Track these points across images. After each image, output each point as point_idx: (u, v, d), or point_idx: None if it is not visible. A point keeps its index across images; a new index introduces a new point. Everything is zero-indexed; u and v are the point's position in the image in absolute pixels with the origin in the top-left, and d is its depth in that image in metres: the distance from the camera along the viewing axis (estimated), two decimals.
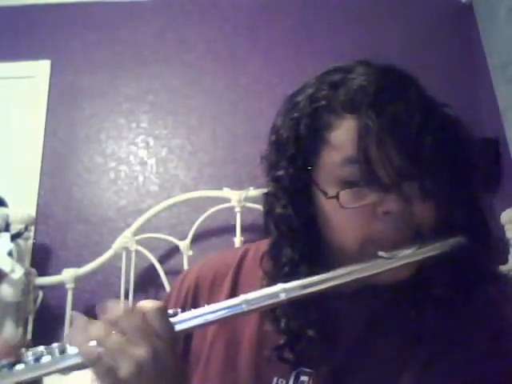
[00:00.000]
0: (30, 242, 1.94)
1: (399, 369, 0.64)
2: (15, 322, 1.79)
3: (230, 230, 1.89)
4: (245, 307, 0.58)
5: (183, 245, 1.86)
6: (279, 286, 0.59)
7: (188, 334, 0.72)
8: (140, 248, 1.86)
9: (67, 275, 1.83)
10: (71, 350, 0.56)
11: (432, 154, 0.60)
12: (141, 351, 0.54)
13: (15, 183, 2.03)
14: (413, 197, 0.61)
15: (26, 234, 1.87)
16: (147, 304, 0.58)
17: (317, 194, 0.65)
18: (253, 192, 1.78)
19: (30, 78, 2.17)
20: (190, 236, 1.88)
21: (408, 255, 0.61)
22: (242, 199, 1.81)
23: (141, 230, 1.88)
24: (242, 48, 2.16)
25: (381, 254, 0.60)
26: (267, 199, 0.69)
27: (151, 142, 2.10)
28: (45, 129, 2.11)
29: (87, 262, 1.87)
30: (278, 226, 0.67)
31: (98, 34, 2.22)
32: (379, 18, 2.13)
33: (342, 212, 0.61)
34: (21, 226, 1.84)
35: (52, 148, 2.10)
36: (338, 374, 0.66)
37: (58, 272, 1.87)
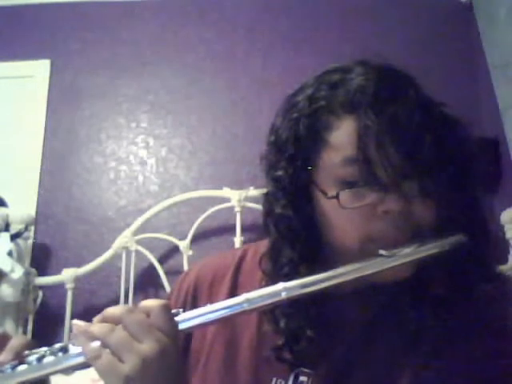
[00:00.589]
0: (30, 241, 1.94)
1: (399, 368, 0.64)
2: (15, 321, 1.79)
3: (230, 229, 1.89)
4: (246, 306, 0.58)
5: (183, 245, 1.86)
6: (280, 285, 0.59)
7: (188, 333, 0.72)
8: (140, 248, 1.87)
9: (67, 275, 1.83)
10: (73, 349, 0.56)
11: (431, 153, 0.60)
12: (146, 347, 0.53)
13: (15, 183, 2.03)
14: (412, 196, 0.61)
15: (25, 234, 1.87)
16: (151, 302, 0.58)
17: (316, 194, 0.65)
18: (253, 192, 1.78)
19: (30, 77, 2.17)
20: (189, 236, 1.88)
21: (408, 254, 0.61)
22: (241, 199, 1.81)
23: (141, 229, 1.88)
24: (241, 48, 2.16)
25: (381, 252, 0.61)
26: (267, 199, 0.69)
27: (151, 142, 2.10)
28: (45, 129, 2.11)
29: (87, 261, 1.87)
30: (277, 226, 0.67)
31: (98, 34, 2.22)
32: (379, 18, 2.13)
33: (342, 212, 0.61)
34: (21, 226, 1.84)
35: (52, 148, 2.10)
36: (338, 374, 0.66)
37: (58, 272, 1.87)
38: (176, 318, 0.57)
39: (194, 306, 0.75)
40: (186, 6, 2.24)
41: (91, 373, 0.55)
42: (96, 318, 0.58)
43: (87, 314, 1.91)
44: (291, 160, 0.65)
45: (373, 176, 0.60)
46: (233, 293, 0.74)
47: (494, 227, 1.69)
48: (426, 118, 0.61)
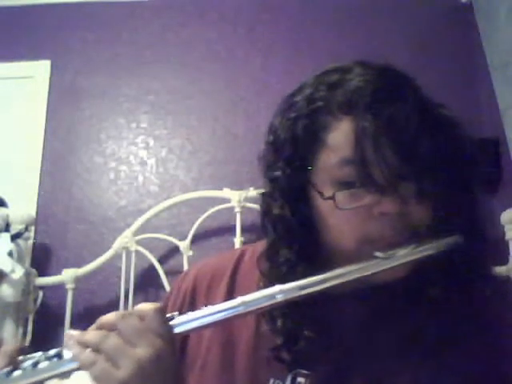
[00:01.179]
0: (30, 242, 1.94)
1: (397, 368, 0.64)
2: (15, 321, 1.79)
3: (230, 230, 1.89)
4: (242, 309, 0.58)
5: (183, 245, 1.86)
6: (276, 288, 0.59)
7: (184, 336, 0.72)
8: (140, 248, 1.86)
9: (67, 275, 1.83)
10: (68, 354, 0.56)
11: (428, 155, 0.60)
12: (140, 351, 0.53)
13: (15, 183, 2.03)
14: (409, 197, 0.61)
15: (26, 234, 1.86)
16: (145, 306, 0.58)
17: (314, 195, 0.65)
18: (253, 192, 1.78)
19: (30, 77, 2.17)
20: (190, 236, 1.87)
21: (404, 255, 0.61)
22: (241, 199, 1.81)
23: (141, 230, 1.88)
24: (241, 48, 2.16)
25: (377, 254, 0.61)
26: (264, 200, 0.70)
27: (151, 142, 2.10)
28: (45, 129, 2.11)
29: (87, 262, 1.87)
30: (275, 227, 0.67)
31: (98, 34, 2.22)
32: (379, 18, 2.13)
33: (339, 213, 0.61)
34: (21, 226, 1.84)
35: (52, 148, 2.10)
36: (335, 375, 0.66)
37: (58, 272, 1.87)
38: (172, 322, 0.57)
39: (192, 307, 0.75)
40: (186, 6, 2.24)
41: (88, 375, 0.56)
42: (91, 328, 0.58)
43: (87, 313, 1.92)
44: (289, 160, 0.65)
45: (370, 177, 0.60)
46: (231, 294, 0.74)
47: (491, 228, 1.69)
48: (424, 119, 0.61)
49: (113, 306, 1.85)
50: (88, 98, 2.15)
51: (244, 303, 0.58)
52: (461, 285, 0.64)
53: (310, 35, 2.13)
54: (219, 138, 2.06)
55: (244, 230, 1.84)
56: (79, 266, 1.86)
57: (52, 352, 0.57)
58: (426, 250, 0.62)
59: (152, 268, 1.88)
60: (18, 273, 1.74)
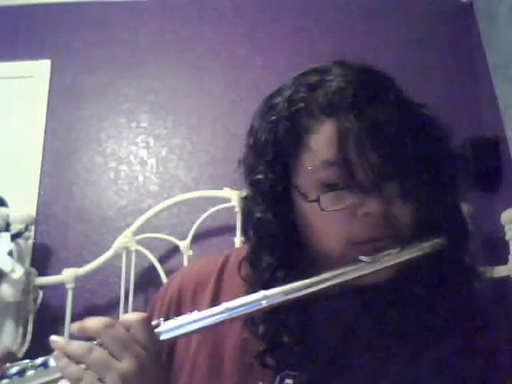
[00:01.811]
0: (30, 241, 1.94)
1: (383, 366, 0.64)
2: (15, 321, 1.79)
3: (229, 230, 1.89)
4: (226, 315, 0.58)
5: (183, 245, 1.86)
6: (261, 293, 0.59)
7: (171, 342, 0.72)
8: (140, 248, 1.86)
9: (67, 275, 1.83)
10: (54, 363, 0.56)
11: (411, 155, 0.60)
12: (124, 364, 0.53)
13: (15, 183, 2.03)
14: (393, 198, 0.61)
15: (26, 234, 1.86)
16: (130, 316, 0.58)
17: (296, 198, 0.65)
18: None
19: (30, 77, 2.17)
20: (190, 236, 1.87)
21: (389, 258, 0.61)
22: (242, 198, 1.81)
23: (141, 229, 1.88)
24: (242, 48, 2.16)
25: (361, 258, 0.61)
26: (246, 203, 0.69)
27: (151, 142, 2.10)
28: (45, 129, 2.11)
29: (87, 261, 1.87)
30: (256, 231, 0.67)
31: (98, 34, 2.22)
32: (379, 18, 2.13)
33: (323, 215, 0.61)
34: (21, 226, 1.84)
35: (52, 148, 2.10)
36: (322, 375, 0.66)
37: (58, 272, 1.87)
38: (157, 330, 0.57)
39: (178, 313, 0.75)
40: (186, 6, 2.24)
41: None
42: (75, 327, 0.58)
43: (87, 313, 1.92)
44: (271, 164, 0.65)
45: (353, 178, 0.60)
46: (216, 299, 0.74)
47: (491, 228, 1.69)
48: (406, 119, 0.61)
49: (113, 305, 1.85)
50: (88, 97, 2.15)
51: (228, 309, 0.58)
52: (444, 284, 0.64)
53: (310, 35, 2.13)
54: (219, 137, 2.06)
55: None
56: (79, 265, 1.86)
57: (39, 360, 0.57)
58: (411, 252, 0.62)
59: (152, 268, 1.88)
60: (17, 272, 1.74)
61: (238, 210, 1.83)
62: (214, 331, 0.71)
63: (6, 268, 1.73)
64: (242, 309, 0.58)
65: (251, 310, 0.59)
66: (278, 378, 0.67)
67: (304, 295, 0.60)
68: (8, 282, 1.74)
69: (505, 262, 1.62)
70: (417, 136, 0.61)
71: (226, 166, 1.99)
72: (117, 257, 1.86)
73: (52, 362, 0.57)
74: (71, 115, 2.13)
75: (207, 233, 1.94)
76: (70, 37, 2.22)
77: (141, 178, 2.06)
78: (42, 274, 1.88)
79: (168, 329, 0.58)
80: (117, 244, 1.86)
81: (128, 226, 1.90)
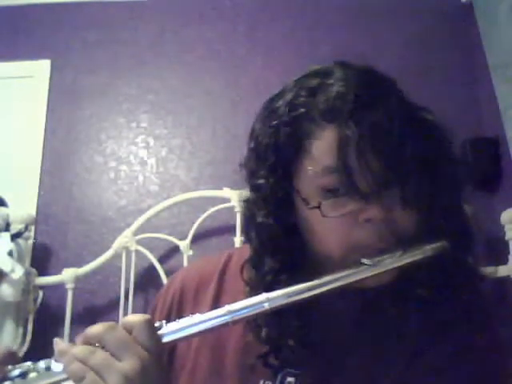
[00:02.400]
0: (30, 241, 1.94)
1: (384, 367, 0.64)
2: (15, 321, 1.79)
3: (229, 229, 1.89)
4: (229, 318, 0.58)
5: (183, 245, 1.86)
6: (263, 296, 0.59)
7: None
8: (140, 248, 1.86)
9: (67, 275, 1.83)
10: (56, 366, 0.56)
11: (412, 161, 0.60)
12: (127, 365, 0.53)
13: (15, 183, 2.03)
14: (394, 204, 0.61)
15: (26, 234, 1.86)
16: (133, 318, 0.58)
17: (298, 203, 0.65)
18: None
19: (30, 77, 2.17)
20: (190, 236, 1.87)
21: (391, 262, 0.61)
22: (242, 199, 1.81)
23: (141, 229, 1.88)
24: (242, 48, 2.16)
25: (364, 261, 0.61)
26: (247, 207, 0.69)
27: (151, 142, 2.10)
28: (45, 129, 2.11)
29: (87, 261, 1.87)
30: (258, 235, 0.67)
31: (98, 34, 2.22)
32: (379, 18, 2.13)
33: (324, 220, 0.61)
34: (21, 226, 1.84)
35: (52, 148, 2.09)
36: (324, 374, 0.66)
37: (58, 272, 1.87)
38: (159, 332, 0.57)
39: (180, 313, 0.75)
40: (186, 6, 2.24)
41: None
42: (78, 339, 0.58)
43: (87, 313, 1.92)
44: (272, 168, 0.65)
45: (354, 185, 0.60)
46: (217, 298, 0.74)
47: (491, 228, 1.69)
48: (407, 125, 0.61)
49: (113, 305, 1.85)
50: (88, 97, 2.15)
51: (230, 312, 0.58)
52: (446, 286, 0.64)
53: (310, 35, 2.13)
54: (219, 137, 2.07)
55: (243, 230, 1.83)
56: (79, 265, 1.86)
57: (41, 363, 0.57)
58: (413, 256, 0.62)
59: (152, 268, 1.88)
60: (17, 272, 1.74)
61: (237, 210, 1.83)
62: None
63: (6, 268, 1.73)
64: (245, 311, 0.58)
65: (254, 312, 0.59)
66: (279, 377, 0.67)
67: (306, 298, 0.60)
68: (8, 281, 1.74)
69: (505, 262, 1.62)
70: (418, 142, 0.61)
71: (226, 166, 1.99)
72: (117, 257, 1.86)
73: (54, 365, 0.57)
74: (71, 115, 2.13)
75: (207, 233, 1.94)
76: (70, 37, 2.22)
77: (141, 178, 2.06)
78: (42, 274, 1.88)
79: (170, 331, 0.58)
80: (117, 244, 1.86)
81: (128, 226, 1.90)
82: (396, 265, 0.61)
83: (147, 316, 0.58)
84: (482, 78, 1.92)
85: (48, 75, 2.16)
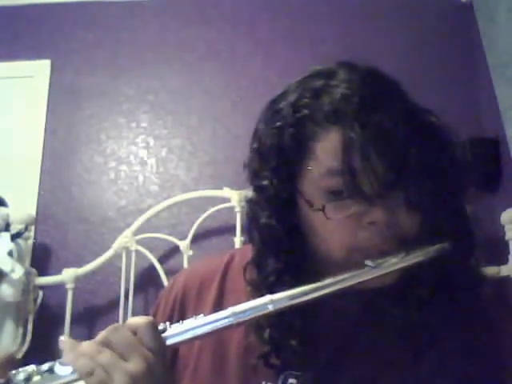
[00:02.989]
0: (30, 241, 1.94)
1: (386, 367, 0.64)
2: (15, 321, 1.79)
3: (230, 229, 1.89)
4: (233, 320, 0.58)
5: (183, 245, 1.86)
6: (267, 298, 0.59)
7: None
8: (140, 248, 1.87)
9: (67, 275, 1.83)
10: (60, 369, 0.56)
11: (417, 164, 0.60)
12: (132, 365, 0.54)
13: (15, 183, 2.03)
14: (398, 206, 0.61)
15: (26, 234, 1.87)
16: (137, 320, 0.58)
17: (302, 204, 0.64)
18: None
19: (30, 77, 2.17)
20: (190, 236, 1.88)
21: (394, 263, 0.61)
22: (242, 199, 1.81)
23: (141, 229, 1.88)
24: (242, 48, 2.16)
25: (367, 262, 0.61)
26: (251, 207, 0.69)
27: (151, 142, 2.10)
28: (45, 129, 2.11)
29: (87, 261, 1.87)
30: (261, 236, 0.67)
31: (98, 34, 2.22)
32: (379, 17, 2.13)
33: (328, 222, 0.61)
34: (21, 226, 1.84)
35: (52, 148, 2.10)
36: (326, 375, 0.66)
37: (58, 272, 1.87)
38: (163, 334, 0.58)
39: (182, 313, 0.75)
40: (186, 6, 2.24)
41: None
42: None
43: (87, 313, 1.92)
44: (275, 169, 0.65)
45: (358, 187, 0.60)
46: (220, 298, 0.74)
47: (491, 228, 1.69)
48: (411, 127, 0.61)
49: (113, 305, 1.85)
50: (88, 97, 2.15)
51: (234, 314, 0.58)
52: (449, 286, 0.64)
53: (310, 35, 2.13)
54: (219, 137, 2.07)
55: (244, 230, 1.84)
56: (79, 265, 1.86)
57: (45, 366, 0.57)
58: (416, 257, 0.62)
59: (152, 268, 1.88)
60: (17, 272, 1.74)
61: (238, 209, 1.83)
62: None
63: (6, 268, 1.73)
64: (249, 313, 0.58)
65: (257, 314, 0.59)
66: (281, 378, 0.67)
67: (310, 300, 0.60)
68: (8, 281, 1.74)
69: (505, 262, 1.62)
70: (422, 144, 0.61)
71: (226, 166, 1.99)
72: (117, 257, 1.86)
73: (58, 368, 0.56)
74: (71, 115, 2.13)
75: (207, 233, 1.94)
76: (69, 37, 2.22)
77: (141, 178, 2.06)
78: (41, 273, 1.88)
79: (174, 333, 0.58)
80: (117, 244, 1.86)
81: (128, 226, 1.90)
82: (399, 266, 0.61)
83: (151, 318, 0.58)
84: (482, 78, 1.92)
85: (48, 75, 2.16)
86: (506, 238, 1.64)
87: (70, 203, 2.04)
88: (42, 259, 1.96)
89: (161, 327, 0.58)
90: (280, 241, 0.65)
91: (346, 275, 0.61)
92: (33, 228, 1.95)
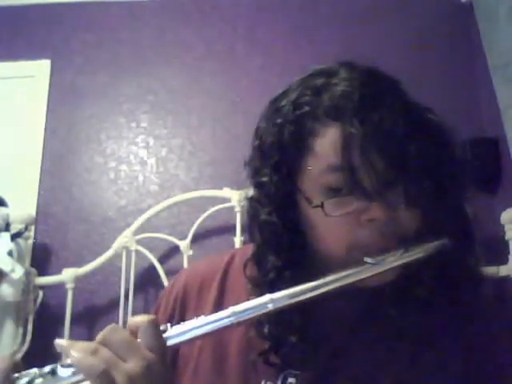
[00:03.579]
0: (30, 241, 1.94)
1: (385, 366, 0.64)
2: (15, 321, 1.79)
3: (229, 229, 1.89)
4: (234, 319, 0.58)
5: (183, 245, 1.86)
6: (267, 297, 0.59)
7: None
8: (140, 248, 1.87)
9: (67, 275, 1.83)
10: (62, 371, 0.56)
11: (416, 161, 0.60)
12: (131, 365, 0.53)
13: (15, 183, 2.03)
14: (397, 203, 0.61)
15: (26, 234, 1.87)
16: (138, 318, 0.57)
17: (301, 201, 0.65)
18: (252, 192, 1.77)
19: (30, 77, 2.17)
20: (190, 236, 1.88)
21: (393, 260, 0.61)
22: (242, 199, 1.81)
23: (141, 229, 1.88)
24: (242, 48, 2.16)
25: (367, 259, 0.61)
26: (251, 205, 0.69)
27: (151, 142, 2.11)
28: (45, 129, 2.11)
29: (87, 261, 1.87)
30: (262, 233, 0.67)
31: (98, 34, 2.22)
32: (379, 17, 2.12)
33: (327, 219, 0.61)
34: (21, 226, 1.84)
35: (52, 148, 2.10)
36: (325, 374, 0.66)
37: (58, 272, 1.87)
38: (164, 335, 0.57)
39: (183, 312, 0.75)
40: (186, 6, 2.24)
41: None
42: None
43: (87, 313, 1.92)
44: (276, 167, 0.65)
45: (357, 184, 0.60)
46: (221, 297, 0.74)
47: (491, 228, 1.69)
48: (411, 125, 0.61)
49: (113, 305, 1.85)
50: (88, 97, 2.15)
51: (234, 313, 0.58)
52: (448, 285, 0.64)
53: (310, 35, 2.13)
54: (219, 137, 2.07)
55: (244, 230, 1.84)
56: (79, 265, 1.86)
57: (47, 369, 0.57)
58: (415, 254, 0.62)
59: (152, 268, 1.88)
60: (17, 272, 1.74)
61: (237, 209, 1.83)
62: None
63: (6, 268, 1.73)
64: (248, 312, 0.58)
65: (257, 313, 0.59)
66: (281, 377, 0.67)
67: (309, 298, 0.60)
68: (8, 281, 1.74)
69: (505, 262, 1.62)
70: (422, 141, 0.61)
71: (226, 166, 1.99)
72: (117, 257, 1.86)
73: (60, 370, 0.56)
74: (71, 115, 2.13)
75: (207, 233, 1.94)
76: (69, 37, 2.22)
77: (141, 178, 2.07)
78: (41, 274, 1.88)
79: (175, 334, 0.58)
80: (117, 244, 1.86)
81: (128, 225, 1.90)
82: (398, 263, 0.61)
83: (152, 316, 0.58)
84: (482, 78, 1.92)
85: (48, 75, 2.16)
86: (506, 237, 1.64)
87: (70, 203, 2.04)
88: (42, 259, 1.96)
89: (162, 328, 0.58)
90: (280, 238, 0.65)
91: (345, 272, 0.61)
92: (33, 228, 1.95)
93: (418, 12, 2.11)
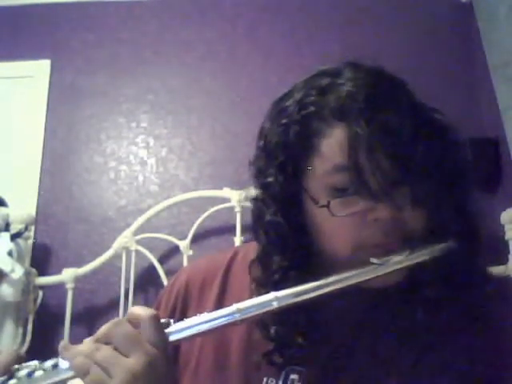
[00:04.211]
0: (30, 241, 1.94)
1: (389, 365, 0.64)
2: (15, 321, 1.79)
3: (230, 229, 1.89)
4: (237, 316, 0.58)
5: (183, 245, 1.86)
6: (272, 295, 0.59)
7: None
8: (140, 248, 1.87)
9: (67, 275, 1.83)
10: (63, 364, 0.56)
11: (422, 161, 0.60)
12: (132, 360, 0.53)
13: (15, 183, 2.03)
14: (403, 203, 0.61)
15: (26, 234, 1.87)
16: (140, 311, 0.57)
17: (307, 201, 0.65)
18: (253, 192, 1.77)
19: (30, 77, 2.17)
20: (190, 236, 1.88)
21: (399, 261, 0.61)
22: (242, 199, 1.81)
23: (141, 229, 1.88)
24: (242, 48, 2.16)
25: (373, 260, 0.61)
26: (256, 205, 0.69)
27: (151, 142, 2.11)
28: (45, 129, 2.11)
29: (87, 261, 1.87)
30: (267, 233, 0.67)
31: (98, 34, 2.22)
32: (379, 17, 2.13)
33: (333, 219, 0.61)
34: (21, 226, 1.84)
35: (52, 148, 2.10)
36: (328, 371, 0.66)
37: (58, 272, 1.87)
38: (166, 330, 0.57)
39: (184, 310, 0.75)
40: (186, 6, 2.24)
41: None
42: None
43: (87, 313, 1.92)
44: (281, 167, 0.65)
45: (363, 184, 0.60)
46: (222, 295, 0.74)
47: (491, 228, 1.69)
48: (417, 125, 0.61)
49: (113, 305, 1.85)
50: (88, 97, 2.15)
51: (239, 310, 0.58)
52: (454, 287, 0.64)
53: (310, 35, 2.13)
54: (219, 137, 2.06)
55: (244, 230, 1.84)
56: (79, 265, 1.86)
57: (48, 362, 0.57)
58: (421, 255, 0.62)
59: (152, 268, 1.88)
60: (17, 272, 1.74)
61: (237, 209, 1.83)
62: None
63: (6, 268, 1.73)
64: (253, 310, 0.58)
65: (262, 311, 0.59)
66: (283, 374, 0.67)
67: (315, 297, 0.60)
68: (8, 282, 1.74)
69: (505, 261, 1.62)
70: (428, 142, 0.61)
71: (226, 166, 1.99)
72: (117, 257, 1.86)
73: (62, 363, 0.56)
74: (71, 115, 2.13)
75: (207, 233, 1.94)
76: (69, 37, 2.22)
77: (141, 178, 2.06)
78: (41, 274, 1.88)
79: (178, 329, 0.58)
80: (117, 244, 1.86)
81: (128, 226, 1.90)
82: (404, 264, 0.61)
83: (154, 311, 0.58)
84: (482, 78, 1.92)
85: (48, 75, 2.16)
86: (506, 237, 1.64)
87: (70, 203, 2.04)
88: (42, 259, 1.96)
89: (163, 321, 0.58)
90: (285, 238, 0.65)
91: (351, 273, 0.61)
92: (33, 228, 1.95)
93: (418, 12, 2.11)
